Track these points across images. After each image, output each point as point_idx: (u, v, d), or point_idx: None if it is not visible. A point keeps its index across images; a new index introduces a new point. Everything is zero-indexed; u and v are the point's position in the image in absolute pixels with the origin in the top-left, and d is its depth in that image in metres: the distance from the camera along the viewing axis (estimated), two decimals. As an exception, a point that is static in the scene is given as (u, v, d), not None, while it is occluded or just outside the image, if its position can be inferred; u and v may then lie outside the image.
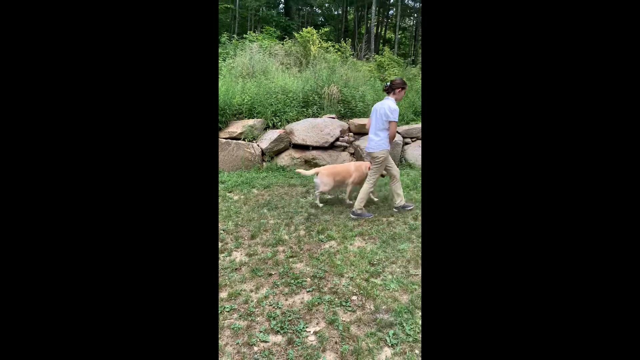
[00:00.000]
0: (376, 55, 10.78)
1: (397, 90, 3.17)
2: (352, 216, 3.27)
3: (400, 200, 3.37)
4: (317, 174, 3.58)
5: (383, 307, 1.90)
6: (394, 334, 1.68)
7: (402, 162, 5.38)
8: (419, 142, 5.70)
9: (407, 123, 5.99)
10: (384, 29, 24.64)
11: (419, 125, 5.76)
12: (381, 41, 22.16)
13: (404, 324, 1.75)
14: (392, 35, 22.17)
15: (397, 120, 3.12)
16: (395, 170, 3.40)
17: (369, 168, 3.45)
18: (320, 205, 3.60)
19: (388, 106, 3.12)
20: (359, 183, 3.59)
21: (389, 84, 3.23)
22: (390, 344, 1.63)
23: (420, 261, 2.40)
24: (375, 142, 3.21)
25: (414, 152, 5.47)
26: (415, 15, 23.56)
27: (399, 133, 5.63)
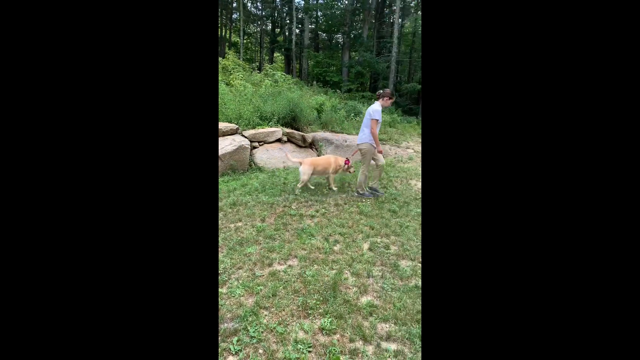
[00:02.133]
0: (221, 59, 10.52)
1: (385, 98, 4.01)
2: (356, 195, 4.19)
3: (373, 183, 4.22)
4: (300, 163, 4.23)
5: (228, 316, 1.86)
6: (238, 340, 1.67)
7: (251, 165, 5.44)
8: (266, 145, 5.90)
9: (254, 127, 6.09)
10: (229, 32, 24.30)
11: (265, 129, 5.96)
12: (227, 44, 21.79)
13: (249, 327, 1.76)
14: (238, 39, 22.16)
15: (376, 118, 3.89)
16: (381, 160, 4.17)
17: (346, 162, 4.41)
18: (297, 193, 4.15)
19: (373, 108, 3.93)
20: (336, 172, 4.47)
21: (381, 91, 4.05)
22: (234, 352, 1.61)
23: (266, 261, 2.48)
24: (362, 135, 4.06)
25: (262, 155, 5.62)
26: (259, 22, 24.29)
27: (245, 137, 5.66)
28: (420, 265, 2.54)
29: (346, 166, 4.45)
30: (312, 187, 4.44)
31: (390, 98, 4.06)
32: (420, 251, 2.76)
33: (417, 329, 1.79)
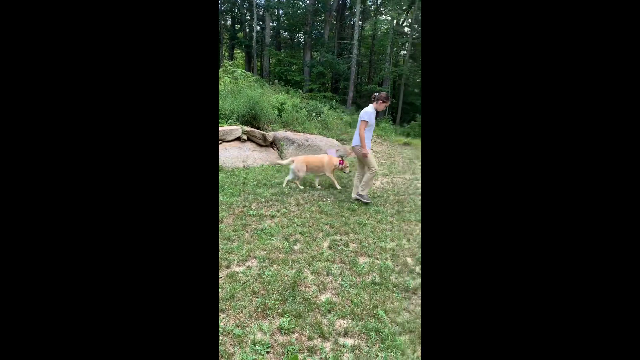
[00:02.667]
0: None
1: (379, 102, 3.90)
2: (361, 200, 4.10)
3: (355, 193, 4.13)
4: (292, 161, 4.47)
5: (182, 322, 1.79)
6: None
7: (209, 165, 5.26)
8: (225, 144, 5.74)
9: (212, 125, 5.89)
10: (185, 25, 23.18)
11: (224, 128, 5.79)
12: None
13: (204, 332, 1.71)
14: (195, 33, 21.19)
15: (366, 120, 3.84)
16: (366, 167, 4.07)
17: (340, 162, 4.55)
18: (284, 185, 4.44)
19: (364, 110, 3.91)
20: (331, 173, 4.64)
21: (376, 94, 3.96)
22: (188, 358, 1.55)
23: (223, 263, 2.42)
24: (355, 138, 4.03)
25: (220, 154, 5.46)
26: (218, 17, 23.49)
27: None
28: (377, 261, 2.63)
29: (341, 166, 4.58)
30: (302, 187, 4.58)
31: (384, 102, 3.91)
32: (377, 247, 2.86)
33: (373, 323, 1.85)
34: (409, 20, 18.26)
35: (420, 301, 2.14)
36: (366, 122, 3.86)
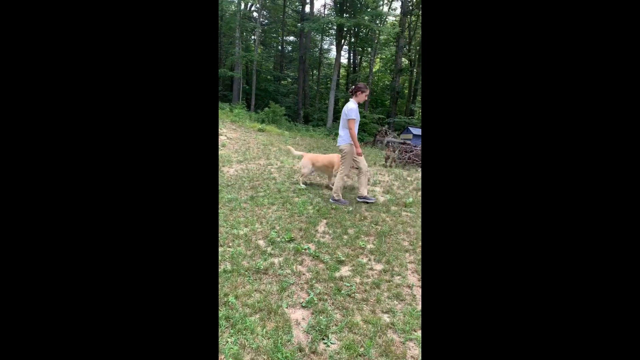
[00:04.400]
0: None
1: (358, 93, 3.65)
2: (332, 201, 3.85)
3: (363, 191, 3.87)
4: (302, 156, 4.53)
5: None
6: None
7: None
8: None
9: None
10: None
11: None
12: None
13: None
14: None
15: (353, 117, 3.57)
16: (363, 164, 3.77)
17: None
18: (303, 186, 4.37)
19: (347, 107, 3.61)
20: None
21: (353, 87, 3.71)
22: None
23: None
24: (341, 137, 3.76)
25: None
26: None
27: None
28: (229, 249, 2.60)
29: None
30: (306, 184, 4.54)
31: (364, 91, 3.68)
32: (229, 235, 2.82)
33: (223, 311, 1.83)
34: (257, 5, 18.21)
35: (271, 280, 2.25)
36: (354, 119, 3.62)
